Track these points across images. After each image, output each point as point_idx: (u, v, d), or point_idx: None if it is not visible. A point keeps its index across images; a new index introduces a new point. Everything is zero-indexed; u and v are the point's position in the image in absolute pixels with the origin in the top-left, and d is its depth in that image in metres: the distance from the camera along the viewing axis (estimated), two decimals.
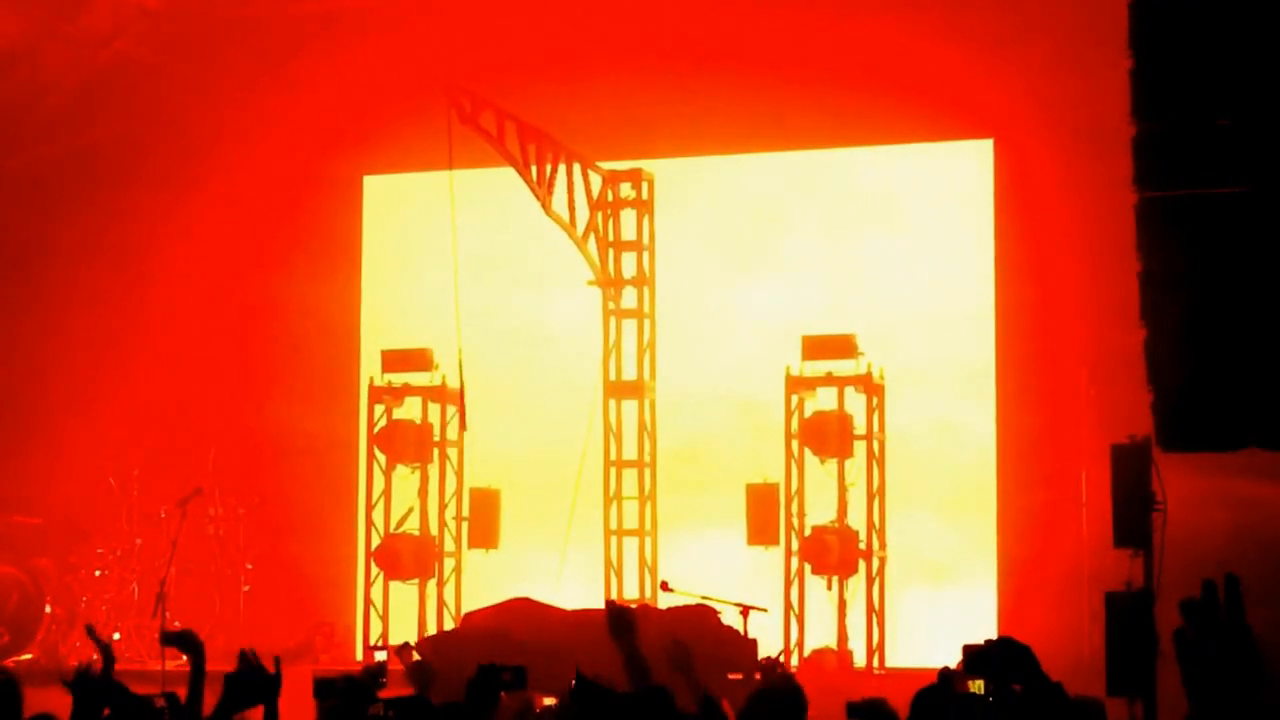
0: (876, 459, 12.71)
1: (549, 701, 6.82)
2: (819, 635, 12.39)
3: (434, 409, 13.38)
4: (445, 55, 13.37)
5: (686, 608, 10.54)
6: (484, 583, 13.06)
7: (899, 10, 13.16)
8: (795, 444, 12.65)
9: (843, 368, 12.65)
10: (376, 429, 13.31)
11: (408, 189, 14.33)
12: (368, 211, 14.63)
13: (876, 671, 12.32)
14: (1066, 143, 12.60)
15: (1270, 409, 8.14)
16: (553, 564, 13.07)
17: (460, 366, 12.11)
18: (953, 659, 5.94)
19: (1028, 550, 12.68)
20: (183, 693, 6.29)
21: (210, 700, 6.23)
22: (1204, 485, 10.96)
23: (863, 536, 12.56)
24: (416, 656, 9.75)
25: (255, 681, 6.00)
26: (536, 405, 13.82)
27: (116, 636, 13.12)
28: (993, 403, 13.11)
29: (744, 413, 13.46)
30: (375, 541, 13.22)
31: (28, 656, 12.95)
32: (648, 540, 13.25)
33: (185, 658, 6.41)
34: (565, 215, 12.99)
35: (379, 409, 13.34)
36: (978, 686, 5.47)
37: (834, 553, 12.44)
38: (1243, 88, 8.13)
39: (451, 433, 13.36)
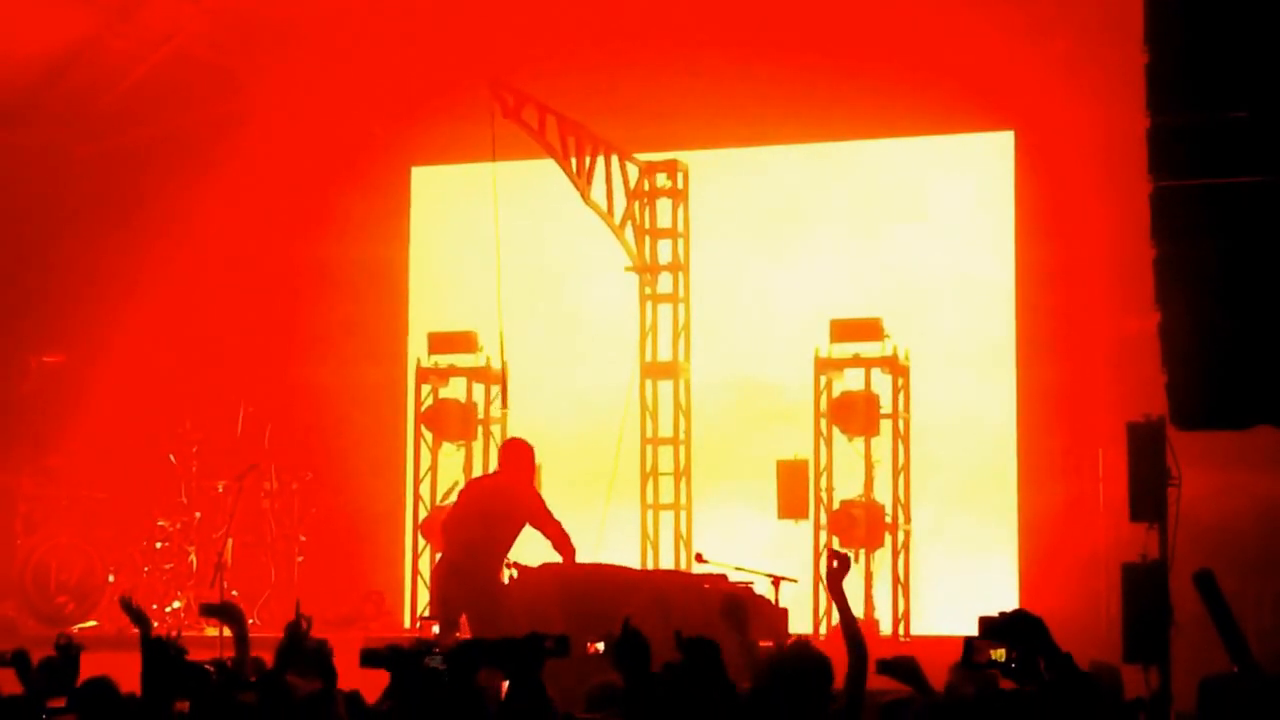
0: (901, 437, 13.05)
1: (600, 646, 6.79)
2: None
3: (478, 389, 13.77)
4: (490, 52, 13.72)
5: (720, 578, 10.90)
6: (523, 555, 13.46)
7: (922, 5, 13.47)
8: (824, 422, 13.01)
9: (869, 350, 12.98)
10: (424, 408, 13.72)
11: (453, 180, 14.69)
12: (415, 201, 15.05)
13: (902, 639, 12.66)
14: (1085, 134, 12.88)
15: None
16: (591, 537, 13.44)
17: (501, 350, 12.48)
18: (974, 628, 6.12)
19: (1047, 524, 13.00)
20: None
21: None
22: (1222, 469, 11.28)
23: (888, 511, 12.91)
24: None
25: (305, 647, 6.48)
26: (576, 385, 14.19)
27: (177, 604, 13.63)
28: (1013, 383, 13.45)
29: (774, 392, 13.81)
30: (422, 515, 13.64)
31: (91, 624, 13.36)
32: (683, 514, 13.63)
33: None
34: (603, 204, 13.37)
35: (426, 389, 13.74)
36: (999, 654, 5.60)
37: (861, 526, 12.77)
38: (1257, 81, 8.44)
39: (495, 411, 13.71)
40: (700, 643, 5.96)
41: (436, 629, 10.48)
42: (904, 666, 6.09)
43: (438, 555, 13.24)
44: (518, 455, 10.64)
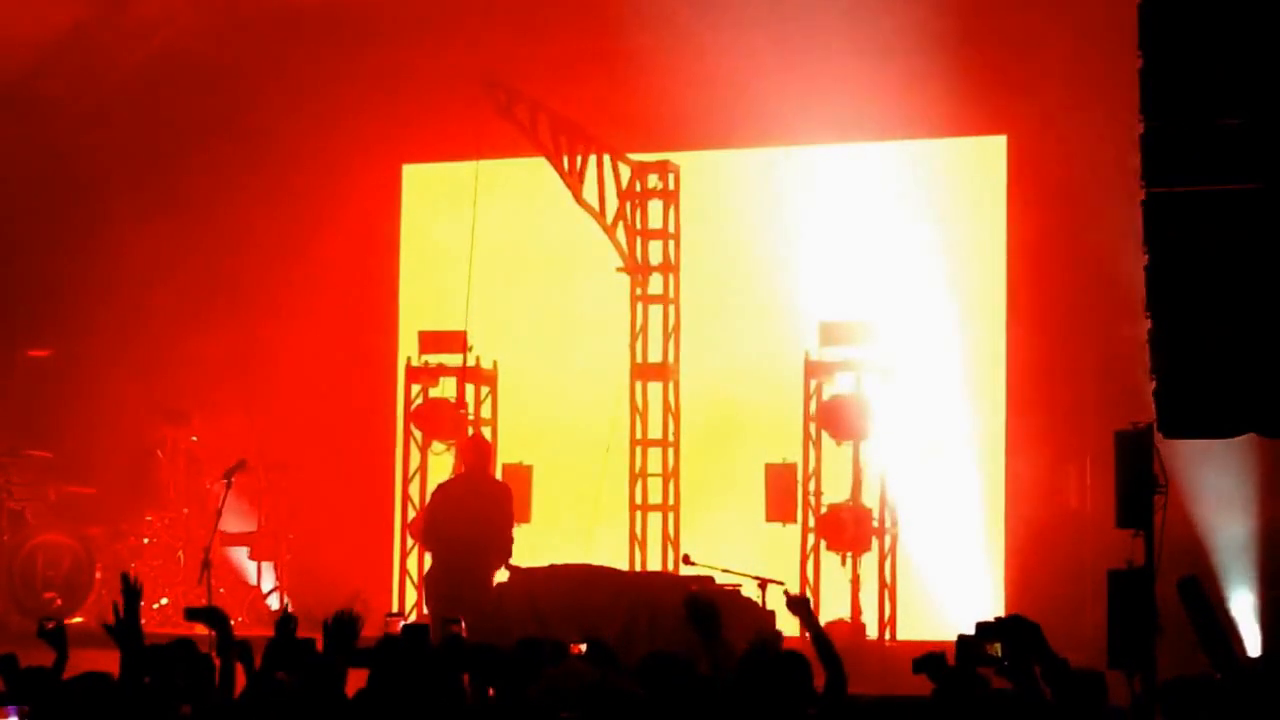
0: (890, 441, 13.07)
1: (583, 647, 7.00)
2: (833, 608, 12.72)
3: (468, 388, 13.80)
4: (482, 49, 13.76)
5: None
6: (515, 555, 13.48)
7: (916, 9, 13.52)
8: (813, 426, 13.03)
9: (859, 353, 12.96)
10: (413, 407, 13.74)
11: (445, 177, 14.70)
12: (406, 199, 15.12)
13: (888, 643, 12.70)
14: (1077, 140, 12.88)
15: (1269, 397, 8.57)
16: (581, 537, 13.49)
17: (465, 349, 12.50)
18: (961, 632, 6.25)
19: (1035, 529, 13.06)
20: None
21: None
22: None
23: (876, 515, 12.90)
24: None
25: (292, 645, 6.51)
26: (567, 385, 14.24)
27: (164, 601, 13.67)
28: (1003, 388, 13.50)
29: (763, 395, 13.82)
30: (411, 515, 13.64)
31: (78, 619, 13.35)
32: (670, 515, 13.66)
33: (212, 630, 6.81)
34: (595, 204, 13.42)
35: (415, 388, 13.75)
36: (995, 649, 5.80)
37: (848, 530, 12.76)
38: (1249, 87, 8.51)
39: (485, 411, 13.79)
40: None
41: (403, 625, 10.55)
42: (937, 661, 6.13)
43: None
44: (486, 452, 11.10)
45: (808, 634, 6.44)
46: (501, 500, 10.68)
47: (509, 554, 10.69)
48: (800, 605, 6.57)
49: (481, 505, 10.56)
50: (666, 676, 6.11)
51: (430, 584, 10.77)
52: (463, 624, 10.09)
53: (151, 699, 6.19)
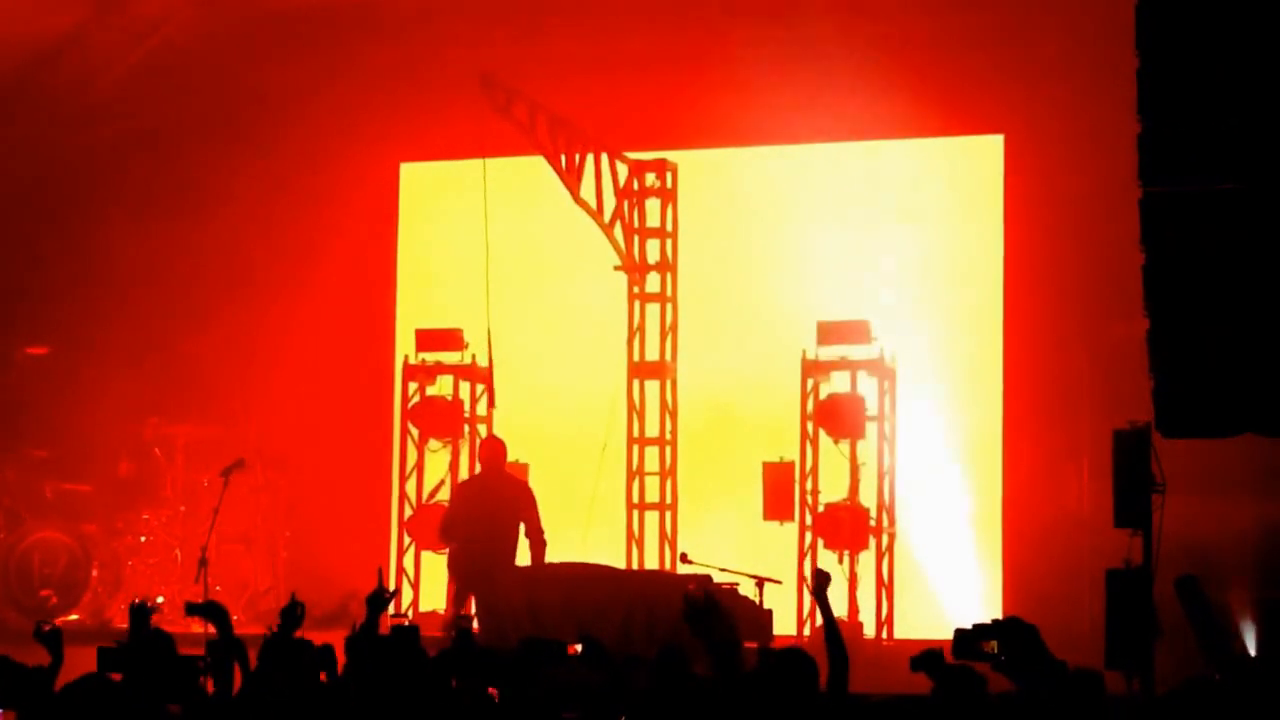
0: (887, 440, 13.08)
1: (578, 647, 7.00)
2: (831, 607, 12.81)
3: (465, 386, 13.82)
4: (481, 49, 13.76)
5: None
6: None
7: (913, 9, 13.54)
8: (810, 425, 13.05)
9: (856, 352, 12.98)
10: (410, 405, 13.76)
11: (443, 176, 14.77)
12: (404, 197, 15.12)
13: (885, 642, 12.75)
14: (1074, 139, 12.95)
15: (1268, 397, 8.58)
16: (577, 535, 13.50)
17: (490, 347, 12.66)
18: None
19: (1032, 528, 13.09)
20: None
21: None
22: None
23: (873, 514, 12.93)
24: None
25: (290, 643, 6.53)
26: (564, 384, 14.26)
27: (160, 600, 13.63)
28: (1000, 387, 13.53)
29: (761, 394, 13.84)
30: (408, 512, 13.69)
31: (74, 617, 13.39)
32: (668, 514, 13.68)
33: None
34: (593, 203, 13.43)
35: (412, 386, 13.77)
36: (992, 647, 5.85)
37: (846, 529, 12.80)
38: (1246, 87, 8.53)
39: (481, 409, 13.78)
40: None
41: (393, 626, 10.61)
42: (934, 659, 6.06)
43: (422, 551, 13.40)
44: (500, 451, 11.33)
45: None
46: (520, 497, 10.99)
47: (543, 542, 10.95)
48: (822, 585, 6.50)
49: (497, 504, 10.81)
50: (678, 672, 6.13)
51: (453, 572, 10.90)
52: (474, 622, 10.22)
53: (141, 699, 6.18)
